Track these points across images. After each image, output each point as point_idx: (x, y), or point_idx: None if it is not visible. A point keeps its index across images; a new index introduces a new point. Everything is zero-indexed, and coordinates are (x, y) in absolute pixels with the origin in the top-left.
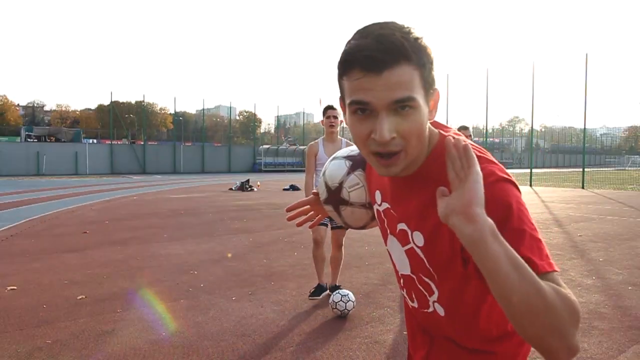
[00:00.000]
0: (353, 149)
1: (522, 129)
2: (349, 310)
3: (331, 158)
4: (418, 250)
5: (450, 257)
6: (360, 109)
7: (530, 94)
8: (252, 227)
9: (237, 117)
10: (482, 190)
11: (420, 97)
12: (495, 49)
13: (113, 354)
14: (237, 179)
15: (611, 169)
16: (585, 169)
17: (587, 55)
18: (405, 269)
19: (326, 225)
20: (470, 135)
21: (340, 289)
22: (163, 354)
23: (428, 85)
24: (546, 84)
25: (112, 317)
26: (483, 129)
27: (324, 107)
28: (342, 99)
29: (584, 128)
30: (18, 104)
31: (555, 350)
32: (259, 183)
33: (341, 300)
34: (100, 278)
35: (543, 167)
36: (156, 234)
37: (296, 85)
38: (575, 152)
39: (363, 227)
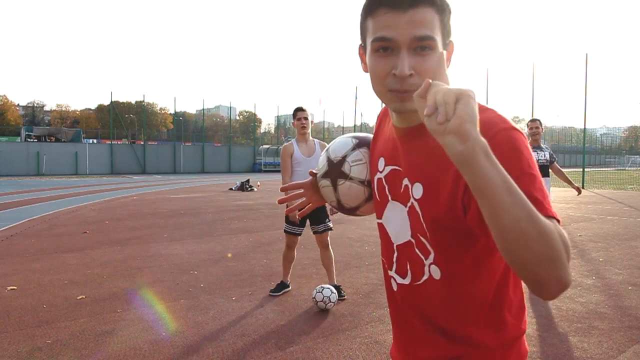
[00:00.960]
0: (360, 133)
1: (522, 129)
2: (333, 303)
3: (337, 138)
4: (415, 204)
5: (450, 206)
6: (382, 47)
7: (530, 94)
8: (252, 227)
9: (237, 117)
10: (476, 109)
11: (439, 40)
12: (495, 48)
13: (113, 354)
14: (237, 179)
15: (611, 169)
16: (585, 169)
17: (587, 55)
18: (404, 235)
19: (299, 234)
20: (539, 128)
21: (341, 289)
22: (163, 354)
23: (446, 32)
24: (546, 84)
25: (112, 317)
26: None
27: (294, 109)
28: (362, 44)
29: (584, 128)
30: (18, 104)
31: (544, 280)
32: (259, 183)
33: (331, 294)
34: (100, 278)
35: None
36: (156, 234)
37: (296, 85)
38: (575, 152)
39: (355, 210)
